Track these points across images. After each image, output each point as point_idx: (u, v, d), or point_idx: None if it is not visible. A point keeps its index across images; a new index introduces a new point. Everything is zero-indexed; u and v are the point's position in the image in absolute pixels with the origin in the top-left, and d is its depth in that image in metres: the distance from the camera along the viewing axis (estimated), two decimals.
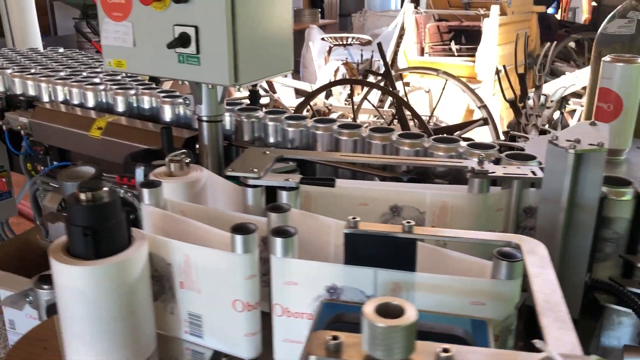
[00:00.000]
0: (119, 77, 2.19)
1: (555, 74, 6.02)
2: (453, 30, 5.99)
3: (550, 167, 1.03)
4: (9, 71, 2.30)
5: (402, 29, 5.70)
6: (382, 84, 4.09)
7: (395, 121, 3.83)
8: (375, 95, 5.22)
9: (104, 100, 2.03)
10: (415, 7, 5.98)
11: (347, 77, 5.83)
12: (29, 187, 2.25)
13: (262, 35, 1.41)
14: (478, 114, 5.17)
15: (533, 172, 1.13)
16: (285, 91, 5.98)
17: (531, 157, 1.23)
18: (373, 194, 1.15)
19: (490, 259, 0.85)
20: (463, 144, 1.34)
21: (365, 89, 4.77)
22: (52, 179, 2.19)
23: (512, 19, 5.64)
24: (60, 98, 2.10)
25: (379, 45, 3.89)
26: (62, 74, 2.22)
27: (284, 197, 1.12)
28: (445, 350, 0.58)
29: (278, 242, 0.91)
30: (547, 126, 3.90)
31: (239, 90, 3.91)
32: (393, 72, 4.35)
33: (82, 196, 0.90)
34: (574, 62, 7.44)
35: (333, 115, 4.99)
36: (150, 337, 1.00)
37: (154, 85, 2.16)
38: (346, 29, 11.68)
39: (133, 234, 0.96)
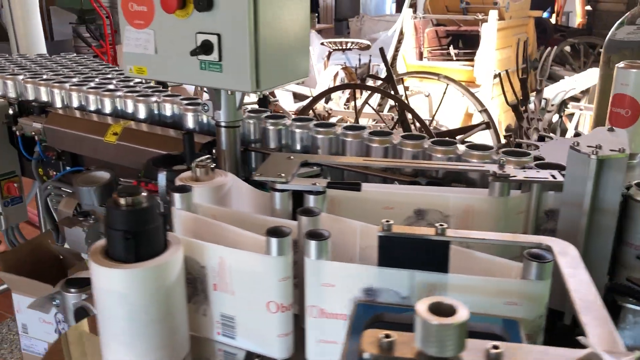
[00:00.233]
0: (131, 83, 2.21)
1: (552, 78, 6.08)
2: (451, 35, 6.04)
3: (571, 172, 1.06)
4: (20, 77, 2.32)
5: (401, 33, 5.75)
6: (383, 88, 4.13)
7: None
8: (374, 99, 5.27)
9: (119, 107, 2.04)
10: (413, 12, 6.03)
11: (347, 81, 5.87)
12: (41, 193, 2.27)
13: (282, 42, 1.43)
14: (476, 118, 5.23)
15: (553, 176, 1.16)
16: (284, 95, 6.02)
17: (561, 167, 1.24)
18: (397, 198, 1.18)
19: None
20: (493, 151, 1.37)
21: (365, 93, 4.81)
22: (63, 183, 2.20)
23: (510, 24, 5.70)
24: (76, 104, 2.12)
25: (381, 50, 3.93)
26: (74, 80, 2.24)
27: (311, 200, 1.15)
28: (495, 347, 0.61)
29: (312, 244, 0.93)
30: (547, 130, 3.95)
31: (247, 95, 3.94)
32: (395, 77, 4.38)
33: (122, 201, 0.93)
34: (569, 65, 7.51)
35: (333, 120, 5.03)
36: (184, 339, 1.02)
37: (161, 88, 2.19)
38: (342, 33, 11.75)
39: (169, 238, 0.99)
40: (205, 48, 1.37)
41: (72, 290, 1.35)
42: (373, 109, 4.41)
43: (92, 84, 2.16)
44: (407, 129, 3.62)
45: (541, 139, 1.63)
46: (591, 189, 1.02)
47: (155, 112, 1.97)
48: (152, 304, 0.95)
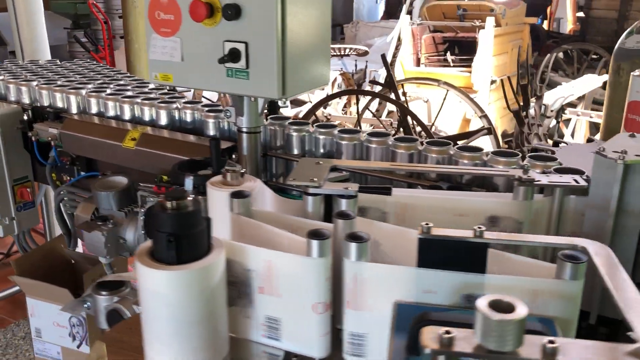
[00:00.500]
0: (146, 89, 2.24)
1: (548, 84, 6.16)
2: (448, 41, 6.11)
3: (597, 176, 1.10)
4: (34, 83, 2.34)
5: (399, 40, 5.81)
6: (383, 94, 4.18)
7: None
8: (373, 104, 5.31)
9: (137, 114, 2.07)
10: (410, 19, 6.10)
11: (344, 87, 5.92)
12: (54, 198, 2.29)
13: (307, 49, 1.47)
14: (474, 124, 5.29)
15: (575, 181, 1.20)
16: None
17: (579, 172, 1.29)
18: (428, 202, 1.21)
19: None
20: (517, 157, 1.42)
21: (365, 99, 4.85)
22: (77, 189, 2.22)
23: (506, 30, 5.78)
24: (94, 110, 2.15)
25: (383, 56, 3.98)
26: (89, 86, 2.27)
27: (343, 204, 1.18)
28: (551, 342, 0.65)
29: (353, 246, 0.97)
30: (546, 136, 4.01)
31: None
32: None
33: (169, 204, 0.96)
34: (562, 71, 7.61)
35: None
36: (225, 340, 1.05)
37: (177, 95, 2.22)
38: (336, 39, 11.79)
39: (212, 241, 1.02)
40: (233, 56, 1.40)
41: (104, 292, 1.37)
42: (373, 114, 4.45)
43: (108, 90, 2.19)
44: (410, 134, 3.67)
45: (555, 144, 1.67)
46: (618, 193, 1.06)
47: (176, 118, 1.99)
48: (196, 305, 0.97)
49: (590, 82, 4.88)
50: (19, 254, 4.02)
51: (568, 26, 11.97)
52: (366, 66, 6.92)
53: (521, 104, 3.75)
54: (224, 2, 1.37)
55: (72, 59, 3.26)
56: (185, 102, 2.02)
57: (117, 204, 1.87)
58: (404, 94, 5.13)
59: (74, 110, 2.20)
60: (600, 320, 1.14)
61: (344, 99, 5.56)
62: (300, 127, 1.72)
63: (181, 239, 0.96)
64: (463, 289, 0.93)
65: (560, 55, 7.43)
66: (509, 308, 0.65)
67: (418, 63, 5.98)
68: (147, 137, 1.92)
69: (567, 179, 1.21)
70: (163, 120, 2.01)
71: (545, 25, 11.13)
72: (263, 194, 1.33)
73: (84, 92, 2.19)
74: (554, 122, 4.47)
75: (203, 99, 4.15)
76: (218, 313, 1.02)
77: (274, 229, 1.06)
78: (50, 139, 2.13)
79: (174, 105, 2.00)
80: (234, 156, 1.74)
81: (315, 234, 0.99)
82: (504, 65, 5.72)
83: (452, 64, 5.84)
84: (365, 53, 6.56)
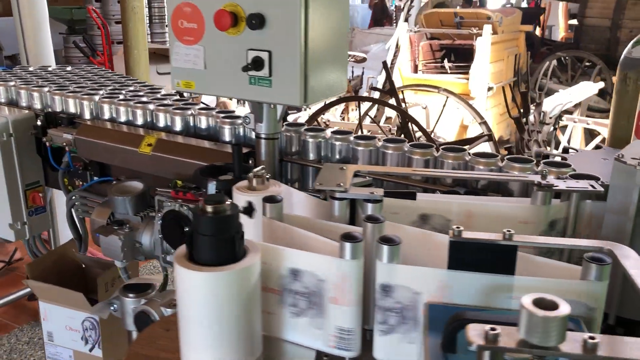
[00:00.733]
0: (159, 95, 2.27)
1: (543, 91, 6.23)
2: (445, 49, 6.17)
3: (616, 182, 1.14)
4: (46, 89, 2.36)
5: (397, 47, 5.86)
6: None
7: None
8: (372, 111, 5.36)
9: (149, 119, 2.10)
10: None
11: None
12: (66, 202, 2.31)
13: (326, 58, 1.51)
14: (471, 130, 5.35)
15: (592, 186, 1.24)
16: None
17: (593, 177, 1.33)
18: (449, 207, 1.25)
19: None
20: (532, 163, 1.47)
21: (364, 105, 4.90)
22: (90, 193, 2.25)
23: (503, 38, 5.84)
24: (107, 116, 2.17)
25: (384, 63, 4.03)
26: (101, 92, 2.29)
27: (369, 208, 1.21)
28: (592, 338, 0.68)
29: (385, 249, 1.00)
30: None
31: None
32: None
33: (209, 208, 0.99)
34: (556, 79, 7.69)
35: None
36: (259, 340, 1.08)
37: (191, 101, 2.25)
38: None
39: (246, 244, 1.05)
40: (257, 64, 1.44)
41: (131, 295, 1.40)
42: (373, 120, 4.50)
43: (121, 96, 2.22)
44: (411, 140, 3.72)
45: (565, 151, 1.71)
46: (637, 198, 1.10)
47: (191, 124, 2.03)
48: (233, 306, 1.00)
49: (587, 90, 4.95)
50: (21, 261, 4.05)
51: (560, 33, 12.11)
52: (363, 73, 6.98)
53: (521, 110, 3.81)
54: (248, 11, 1.41)
55: (67, 64, 3.28)
56: (199, 109, 2.06)
57: (133, 208, 1.90)
58: (403, 100, 5.19)
59: (87, 115, 2.22)
60: (618, 321, 1.18)
61: (342, 105, 5.60)
62: (316, 134, 1.76)
63: (221, 242, 0.99)
64: (493, 290, 0.97)
65: (554, 62, 7.52)
66: (552, 306, 0.69)
67: (416, 70, 6.04)
68: (163, 143, 1.95)
69: (584, 184, 1.25)
70: (178, 126, 2.04)
71: (538, 33, 11.24)
72: (289, 197, 1.36)
73: (97, 98, 2.22)
74: (551, 129, 4.53)
75: (201, 104, 4.19)
76: (254, 314, 1.05)
77: (307, 232, 1.10)
78: (64, 144, 2.16)
79: (189, 112, 2.03)
80: (250, 161, 1.77)
81: (348, 237, 1.02)
82: (500, 72, 5.78)
83: (449, 71, 5.90)
84: (364, 60, 6.62)
